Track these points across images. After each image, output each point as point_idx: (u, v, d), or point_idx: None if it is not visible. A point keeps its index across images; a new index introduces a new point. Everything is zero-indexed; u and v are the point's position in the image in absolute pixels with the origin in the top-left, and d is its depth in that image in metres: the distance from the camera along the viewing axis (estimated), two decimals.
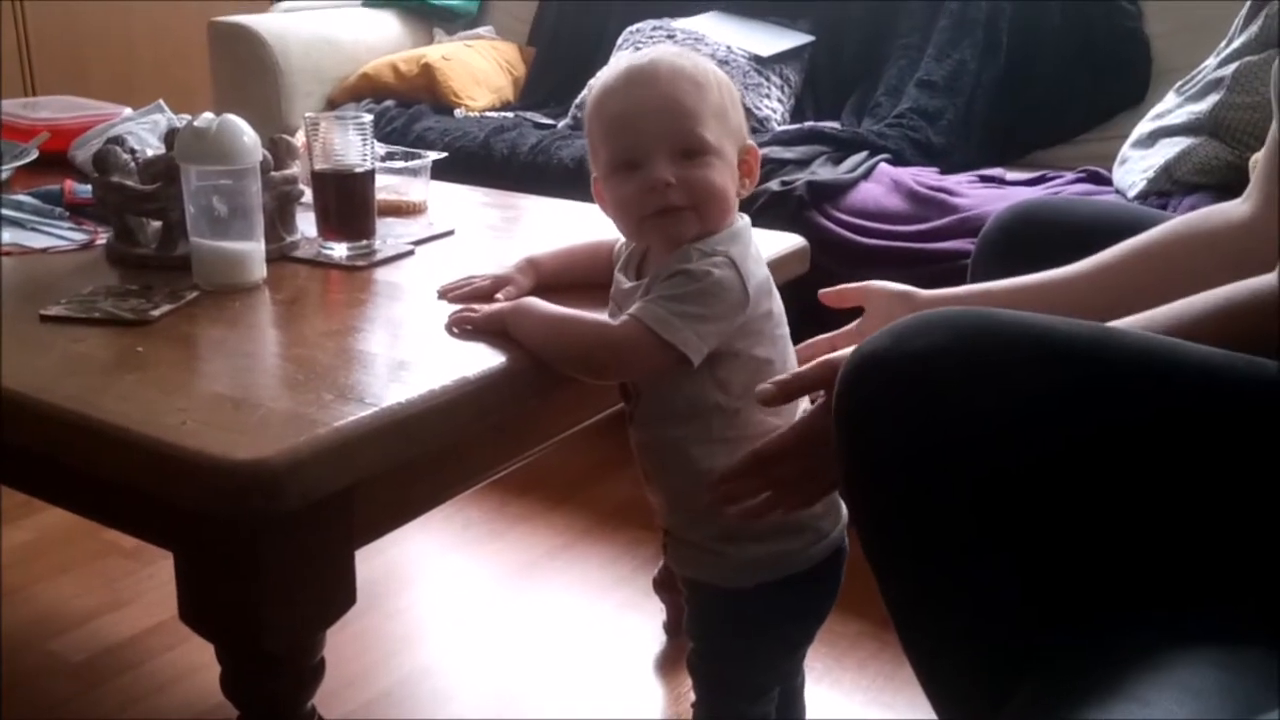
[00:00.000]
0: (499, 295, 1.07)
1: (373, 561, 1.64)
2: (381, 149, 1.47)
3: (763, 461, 0.90)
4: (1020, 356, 0.69)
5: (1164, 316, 0.76)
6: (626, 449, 1.06)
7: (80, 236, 1.34)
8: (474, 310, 1.03)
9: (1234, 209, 0.95)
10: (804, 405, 0.97)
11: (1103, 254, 1.01)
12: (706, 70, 0.98)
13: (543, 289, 1.10)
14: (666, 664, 1.47)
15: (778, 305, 1.00)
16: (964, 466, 0.68)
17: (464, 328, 1.02)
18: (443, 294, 1.12)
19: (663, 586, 1.49)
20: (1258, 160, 0.99)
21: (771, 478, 0.90)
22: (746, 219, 1.01)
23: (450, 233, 1.40)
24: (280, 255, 1.25)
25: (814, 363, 0.88)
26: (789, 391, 0.90)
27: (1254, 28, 1.69)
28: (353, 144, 1.24)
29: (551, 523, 1.82)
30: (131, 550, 1.68)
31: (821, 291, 1.11)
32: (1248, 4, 1.73)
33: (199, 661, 1.42)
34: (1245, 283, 0.74)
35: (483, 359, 0.97)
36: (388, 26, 2.82)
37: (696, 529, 1.02)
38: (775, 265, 1.03)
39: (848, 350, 0.86)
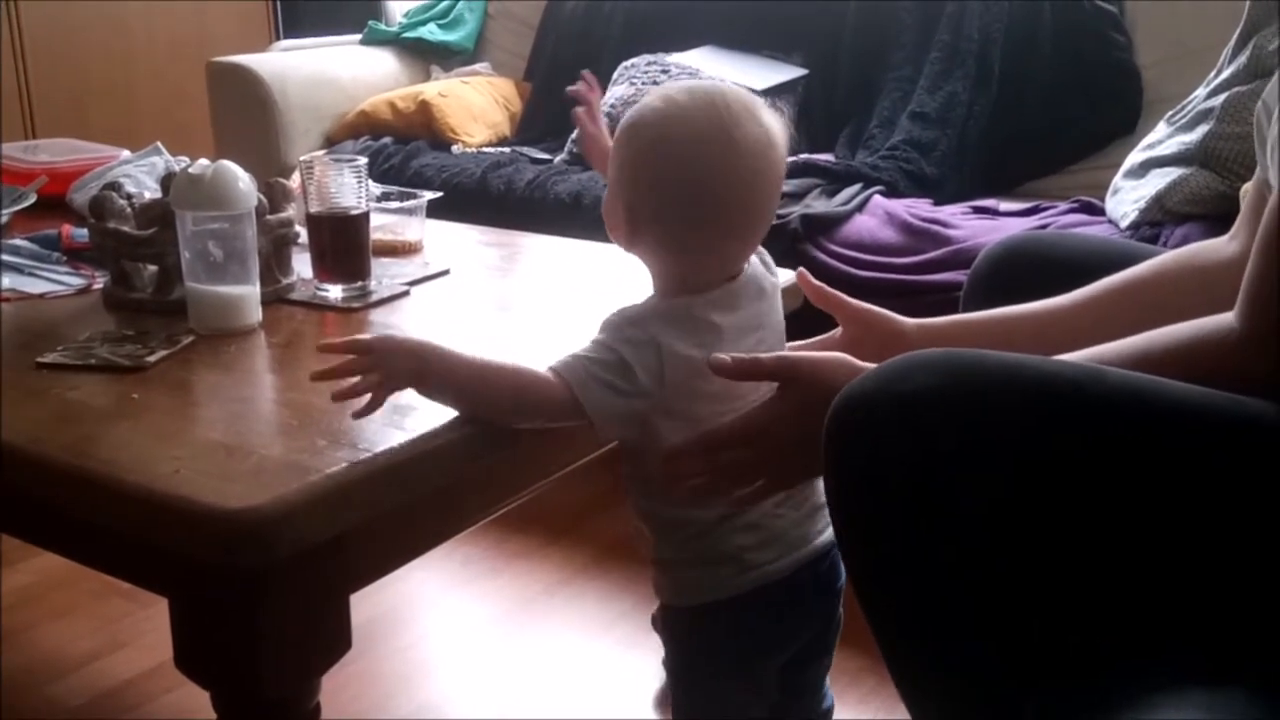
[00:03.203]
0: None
1: (370, 599, 1.64)
2: (377, 189, 1.48)
3: (706, 445, 0.91)
4: (1007, 398, 0.69)
5: (1129, 349, 0.77)
6: (622, 485, 1.06)
7: (78, 281, 1.35)
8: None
9: (1222, 246, 0.96)
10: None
11: (1091, 287, 1.01)
12: (641, 122, 0.94)
13: None
14: (667, 701, 1.46)
15: (714, 385, 0.92)
16: (952, 508, 0.68)
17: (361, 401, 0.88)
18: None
19: None
20: (1248, 190, 0.99)
21: (714, 463, 0.91)
22: (727, 292, 0.95)
23: (446, 272, 1.41)
24: (276, 298, 1.25)
25: (774, 355, 0.90)
26: (743, 370, 0.89)
27: (1243, 58, 1.71)
28: (347, 186, 1.25)
29: (549, 558, 1.82)
30: (130, 592, 1.67)
31: (801, 270, 1.08)
32: (1236, 34, 1.74)
33: (197, 704, 1.39)
34: (1210, 319, 0.74)
35: None
36: (385, 64, 2.84)
37: (653, 549, 1.03)
38: None
39: (809, 354, 0.89)
